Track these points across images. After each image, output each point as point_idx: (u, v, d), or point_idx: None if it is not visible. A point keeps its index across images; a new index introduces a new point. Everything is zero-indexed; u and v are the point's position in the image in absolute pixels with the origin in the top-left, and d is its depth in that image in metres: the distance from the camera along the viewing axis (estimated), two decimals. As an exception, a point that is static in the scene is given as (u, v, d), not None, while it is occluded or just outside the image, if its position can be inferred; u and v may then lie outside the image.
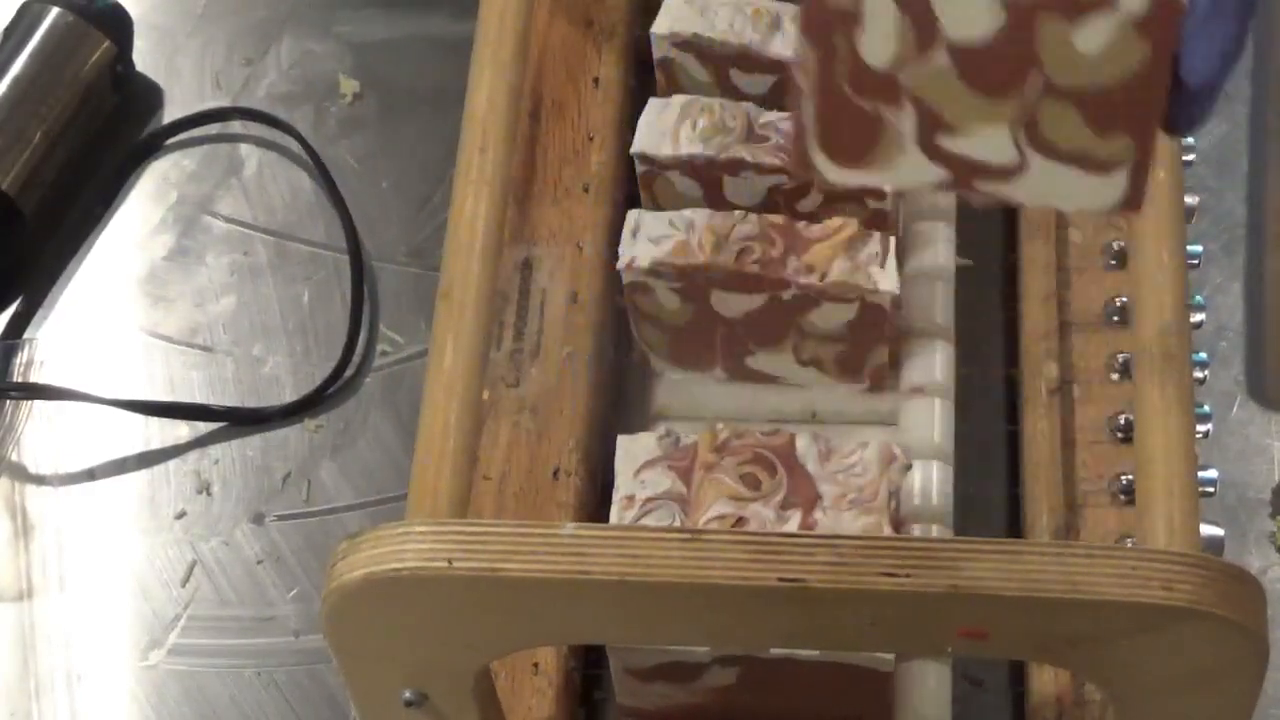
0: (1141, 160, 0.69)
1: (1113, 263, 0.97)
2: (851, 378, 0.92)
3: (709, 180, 0.92)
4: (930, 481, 0.89)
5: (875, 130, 0.69)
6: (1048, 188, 0.70)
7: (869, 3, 0.67)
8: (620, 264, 0.89)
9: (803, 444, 0.84)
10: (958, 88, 0.68)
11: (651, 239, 0.89)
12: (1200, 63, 0.67)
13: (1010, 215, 1.01)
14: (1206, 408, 0.93)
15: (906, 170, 0.70)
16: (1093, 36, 0.67)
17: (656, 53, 0.95)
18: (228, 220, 1.09)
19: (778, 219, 0.89)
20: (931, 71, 0.68)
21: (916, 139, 0.69)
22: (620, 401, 0.95)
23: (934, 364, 0.93)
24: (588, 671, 0.91)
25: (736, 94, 0.94)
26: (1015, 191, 0.70)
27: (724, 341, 0.91)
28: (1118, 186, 0.69)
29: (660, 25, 0.94)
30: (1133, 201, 0.70)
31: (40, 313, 1.06)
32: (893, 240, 0.89)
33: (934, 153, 0.69)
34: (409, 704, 0.74)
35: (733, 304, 0.89)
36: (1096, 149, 0.69)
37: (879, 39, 0.67)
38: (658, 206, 0.93)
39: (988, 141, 0.69)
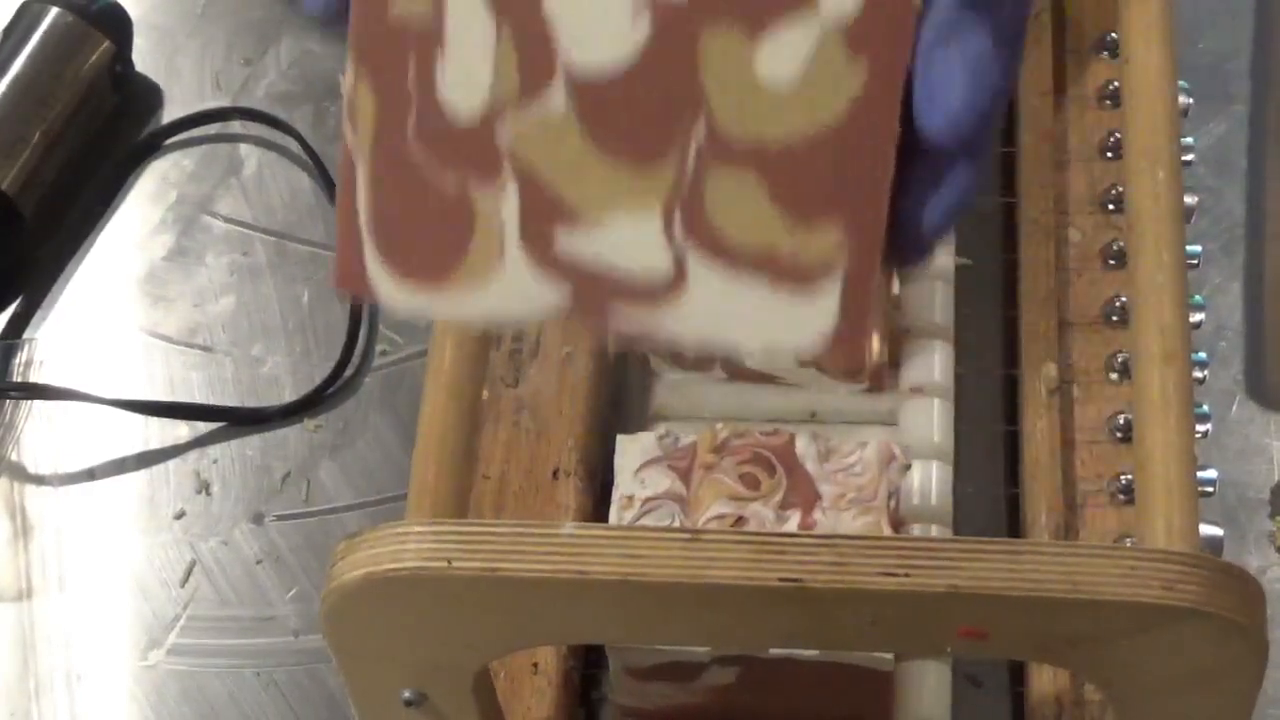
0: (859, 267, 0.45)
1: (1112, 263, 0.97)
2: (851, 378, 0.92)
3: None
4: (930, 481, 0.89)
5: (460, 224, 0.47)
6: (716, 311, 0.47)
7: (453, 15, 0.45)
8: None
9: (802, 444, 0.84)
10: (582, 148, 0.45)
11: None
12: (929, 212, 0.49)
13: (1010, 215, 1.01)
14: (1206, 408, 0.93)
15: (506, 288, 0.48)
16: (783, 56, 0.44)
17: (656, 53, 0.95)
18: (227, 220, 1.09)
19: None
20: (544, 122, 0.45)
21: (520, 236, 0.47)
22: (620, 401, 0.95)
23: (933, 364, 0.92)
24: (587, 671, 0.91)
25: None
26: (668, 319, 0.48)
27: None
28: (824, 312, 0.46)
29: (659, 25, 0.94)
30: (845, 337, 0.45)
31: (40, 313, 1.06)
32: None
33: (546, 258, 0.47)
34: (409, 704, 0.74)
35: None
36: (790, 247, 0.46)
37: (466, 72, 0.45)
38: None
39: (627, 238, 0.46)
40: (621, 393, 0.95)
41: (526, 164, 0.46)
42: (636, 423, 0.92)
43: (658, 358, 0.93)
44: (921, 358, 0.93)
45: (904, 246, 0.48)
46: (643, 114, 0.45)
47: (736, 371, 0.92)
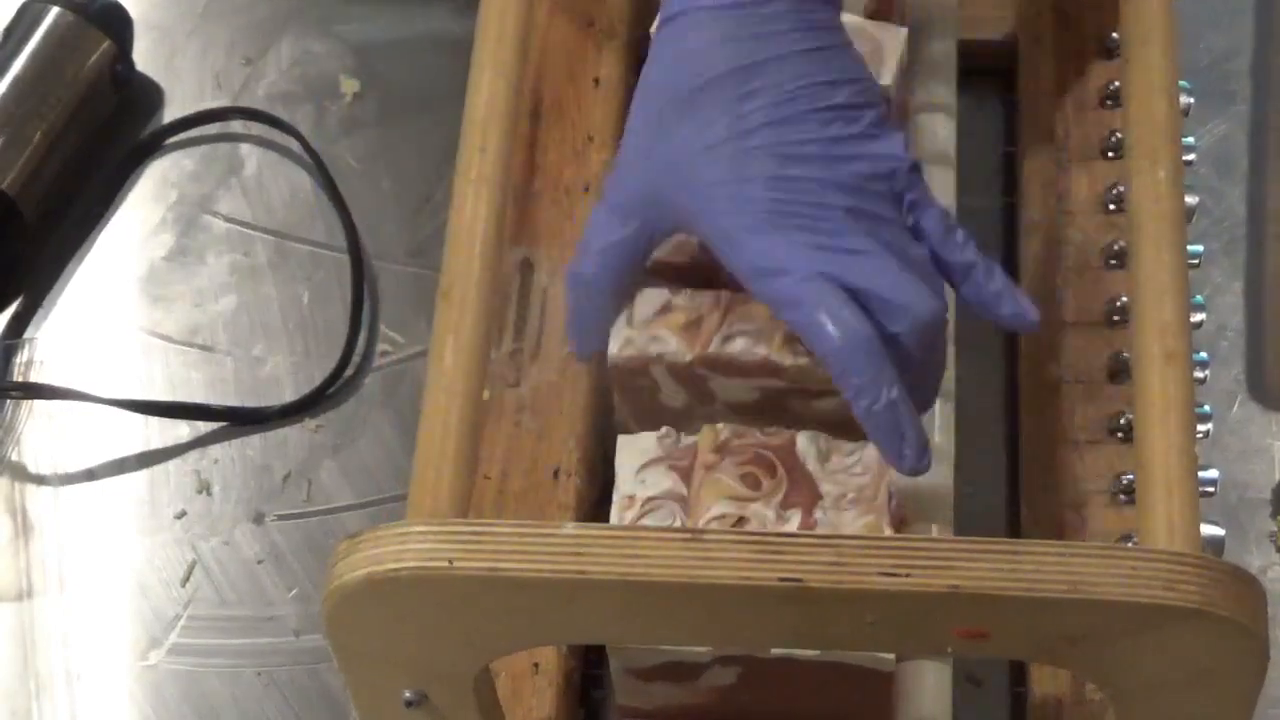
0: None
1: (1113, 263, 0.97)
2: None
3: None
4: (930, 481, 0.89)
5: None
6: None
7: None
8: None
9: (803, 443, 0.84)
10: None
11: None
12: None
13: (1010, 215, 1.01)
14: (1206, 408, 0.93)
15: None
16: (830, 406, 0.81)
17: (656, 53, 0.95)
18: (228, 220, 1.09)
19: None
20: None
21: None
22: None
23: (934, 364, 0.92)
24: (588, 671, 0.91)
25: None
26: None
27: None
28: None
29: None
30: None
31: (40, 312, 1.06)
32: None
33: None
34: (409, 704, 0.74)
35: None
36: None
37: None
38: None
39: None
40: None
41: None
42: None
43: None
44: (922, 358, 0.93)
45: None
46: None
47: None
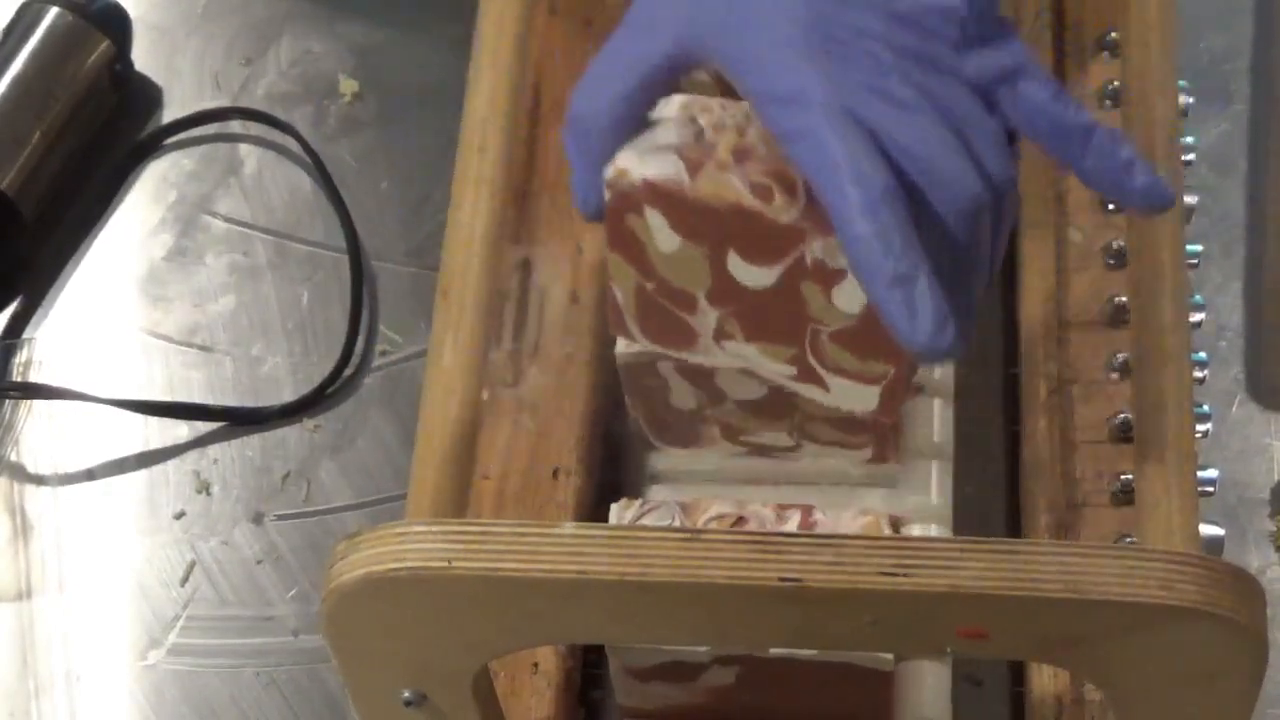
0: (893, 381, 0.78)
1: (1112, 263, 0.97)
2: (860, 447, 0.89)
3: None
4: (930, 481, 0.89)
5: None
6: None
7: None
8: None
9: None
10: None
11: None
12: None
13: (1010, 215, 1.01)
14: (1206, 408, 0.93)
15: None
16: (847, 297, 0.74)
17: (656, 52, 0.94)
18: (227, 220, 1.09)
19: None
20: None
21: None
22: (619, 462, 0.93)
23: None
24: (588, 671, 0.91)
25: (736, 93, 0.94)
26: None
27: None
28: (873, 395, 0.79)
29: (660, 25, 0.94)
30: (883, 409, 0.80)
31: (40, 312, 1.06)
32: None
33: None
34: (409, 704, 0.74)
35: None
36: (858, 367, 0.77)
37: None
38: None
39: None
40: (621, 454, 0.93)
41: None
42: (634, 486, 0.90)
43: (656, 433, 0.89)
44: (922, 358, 0.93)
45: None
46: (779, 315, 0.76)
47: (733, 438, 0.90)
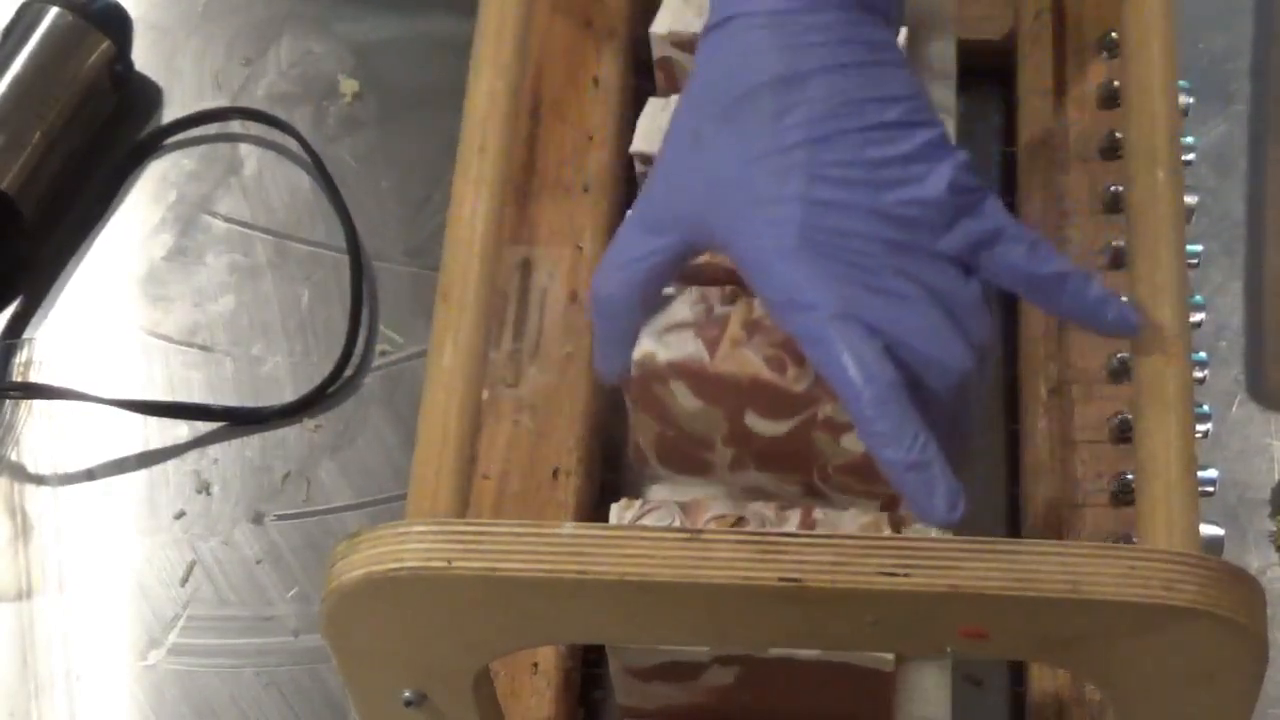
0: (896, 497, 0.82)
1: (1112, 263, 0.97)
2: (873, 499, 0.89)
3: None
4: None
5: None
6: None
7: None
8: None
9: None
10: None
11: None
12: None
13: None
14: (1206, 408, 0.93)
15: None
16: (851, 443, 0.80)
17: (656, 52, 0.95)
18: (227, 220, 1.09)
19: None
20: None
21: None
22: (617, 466, 0.93)
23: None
24: (588, 671, 0.91)
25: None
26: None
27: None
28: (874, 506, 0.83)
29: (659, 25, 0.94)
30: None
31: (40, 312, 1.06)
32: None
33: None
34: (409, 704, 0.74)
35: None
36: (863, 488, 0.82)
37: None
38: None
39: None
40: (621, 454, 0.92)
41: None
42: (634, 486, 0.89)
43: (656, 461, 0.88)
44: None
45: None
46: (790, 454, 0.82)
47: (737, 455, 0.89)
